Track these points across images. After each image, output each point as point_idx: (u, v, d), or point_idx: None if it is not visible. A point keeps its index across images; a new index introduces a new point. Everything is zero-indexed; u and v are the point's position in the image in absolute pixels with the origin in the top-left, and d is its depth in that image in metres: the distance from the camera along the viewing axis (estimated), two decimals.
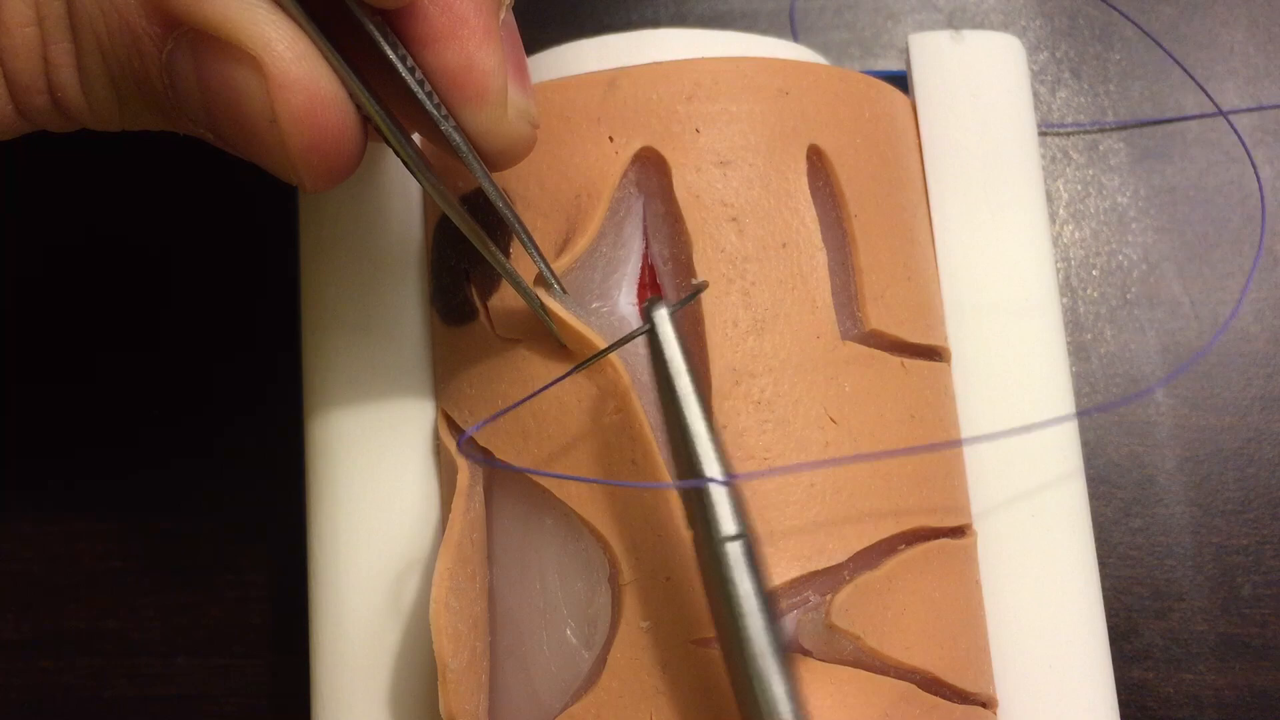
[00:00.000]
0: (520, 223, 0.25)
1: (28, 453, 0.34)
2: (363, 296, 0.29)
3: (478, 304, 0.27)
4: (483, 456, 0.27)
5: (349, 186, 0.29)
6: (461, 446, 0.26)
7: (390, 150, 0.24)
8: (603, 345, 0.25)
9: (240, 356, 0.34)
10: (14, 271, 0.35)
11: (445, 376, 0.28)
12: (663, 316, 0.24)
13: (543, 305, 0.25)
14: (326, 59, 0.22)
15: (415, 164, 0.23)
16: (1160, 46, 0.31)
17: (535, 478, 0.26)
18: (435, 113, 0.23)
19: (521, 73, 0.24)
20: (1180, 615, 0.33)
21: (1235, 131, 0.35)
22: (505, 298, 0.26)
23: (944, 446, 0.27)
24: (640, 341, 0.25)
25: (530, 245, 0.25)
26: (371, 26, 0.22)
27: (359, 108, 0.22)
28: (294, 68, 0.21)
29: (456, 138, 0.23)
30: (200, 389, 0.34)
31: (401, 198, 0.29)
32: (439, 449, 0.28)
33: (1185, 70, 0.31)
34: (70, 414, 0.34)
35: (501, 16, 0.24)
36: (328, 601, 0.28)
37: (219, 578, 0.33)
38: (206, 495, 0.34)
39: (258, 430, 0.34)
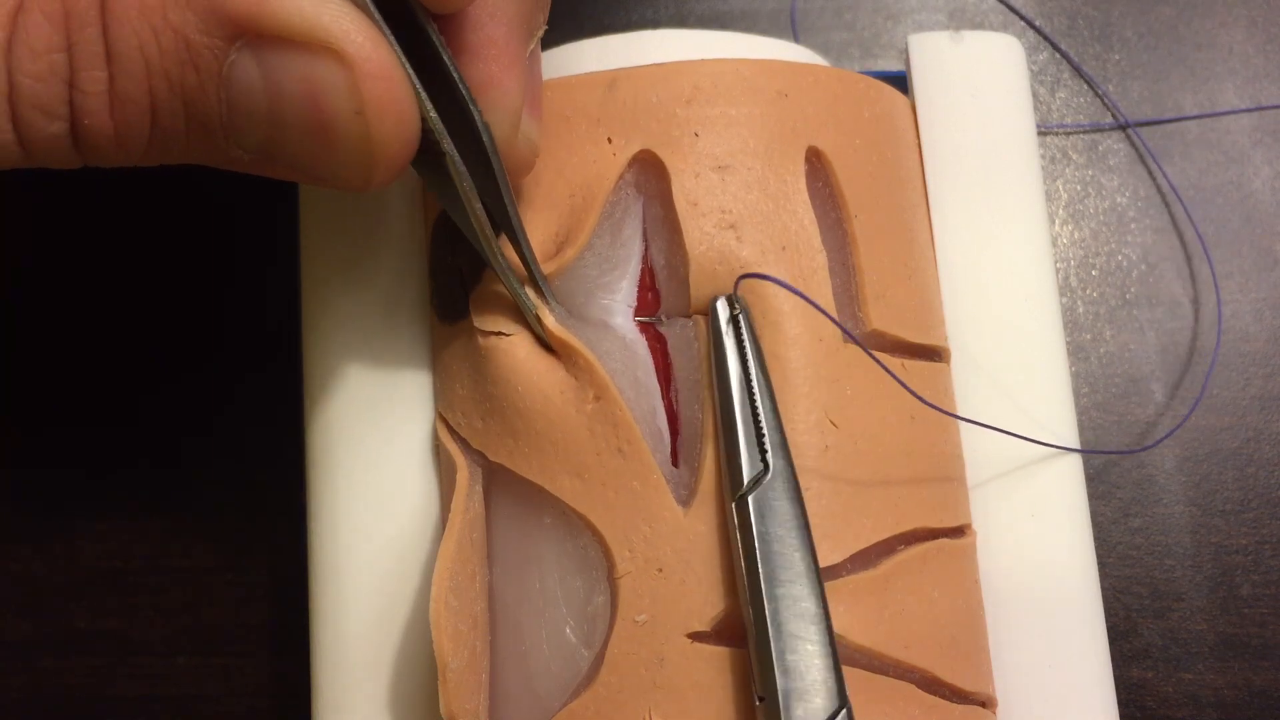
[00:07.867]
0: (521, 227, 0.25)
1: (27, 452, 0.34)
2: (363, 297, 0.29)
3: (468, 300, 0.27)
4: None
5: None
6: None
7: None
8: (587, 353, 0.25)
9: (241, 358, 0.34)
10: (8, 269, 0.35)
11: (442, 377, 0.28)
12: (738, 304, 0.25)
13: (534, 312, 0.26)
14: (394, 51, 0.22)
15: (453, 155, 0.23)
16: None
17: (528, 476, 0.26)
18: (472, 107, 0.24)
19: (536, 101, 0.25)
20: (1180, 615, 0.33)
21: (1142, 142, 0.34)
22: (485, 291, 0.27)
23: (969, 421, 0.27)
24: (613, 339, 0.25)
25: (528, 252, 0.26)
26: (429, 26, 0.23)
27: None
28: (375, 55, 0.21)
29: (486, 137, 0.24)
30: (201, 390, 0.34)
31: (402, 197, 0.29)
32: (438, 449, 0.28)
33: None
34: (70, 414, 0.34)
35: (530, 47, 0.25)
36: (328, 601, 0.28)
37: (219, 578, 0.33)
38: (207, 495, 0.34)
39: (258, 431, 0.34)
